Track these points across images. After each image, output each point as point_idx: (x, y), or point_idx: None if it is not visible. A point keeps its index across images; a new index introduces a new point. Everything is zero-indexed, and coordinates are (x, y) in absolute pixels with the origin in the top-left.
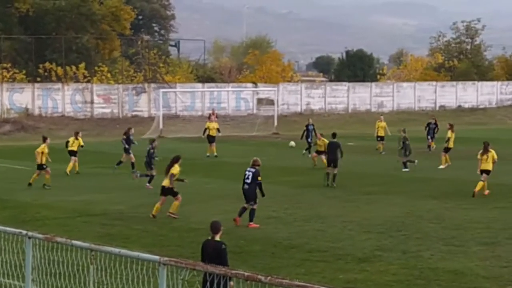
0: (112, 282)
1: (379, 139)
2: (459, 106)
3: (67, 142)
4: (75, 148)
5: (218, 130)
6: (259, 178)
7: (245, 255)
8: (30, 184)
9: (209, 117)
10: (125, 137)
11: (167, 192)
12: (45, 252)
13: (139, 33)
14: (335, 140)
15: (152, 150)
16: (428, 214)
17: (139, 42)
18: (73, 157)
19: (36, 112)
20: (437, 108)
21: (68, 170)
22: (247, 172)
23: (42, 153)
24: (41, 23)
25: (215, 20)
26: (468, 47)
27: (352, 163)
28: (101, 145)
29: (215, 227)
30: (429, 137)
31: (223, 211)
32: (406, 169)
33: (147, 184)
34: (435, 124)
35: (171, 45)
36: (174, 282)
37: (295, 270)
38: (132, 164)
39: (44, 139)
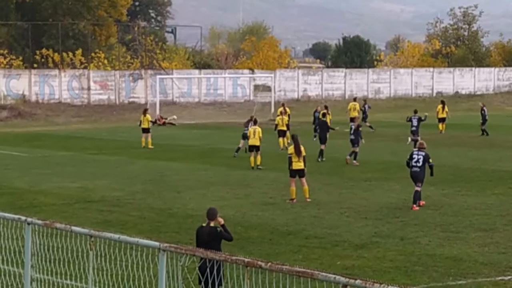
0: (112, 268)
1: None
2: (457, 92)
3: (140, 121)
4: (146, 125)
5: (287, 125)
6: (431, 160)
7: (242, 242)
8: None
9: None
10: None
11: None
12: (44, 238)
13: (135, 19)
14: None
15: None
16: (426, 201)
17: (136, 29)
18: (144, 134)
19: (33, 98)
20: (434, 95)
21: (143, 145)
22: (415, 156)
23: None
24: (38, 9)
25: (211, 6)
26: (466, 33)
27: (348, 149)
28: (98, 131)
29: (211, 214)
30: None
31: (220, 198)
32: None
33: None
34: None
35: (168, 32)
36: (174, 268)
37: (292, 256)
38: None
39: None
